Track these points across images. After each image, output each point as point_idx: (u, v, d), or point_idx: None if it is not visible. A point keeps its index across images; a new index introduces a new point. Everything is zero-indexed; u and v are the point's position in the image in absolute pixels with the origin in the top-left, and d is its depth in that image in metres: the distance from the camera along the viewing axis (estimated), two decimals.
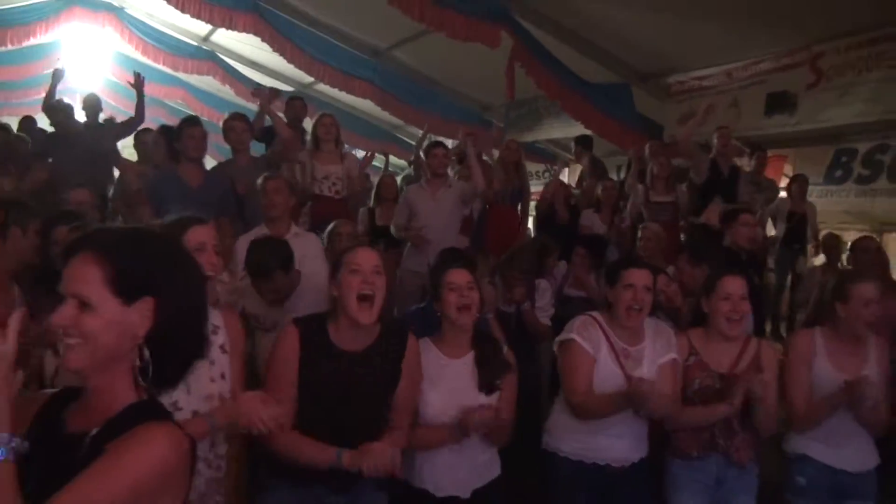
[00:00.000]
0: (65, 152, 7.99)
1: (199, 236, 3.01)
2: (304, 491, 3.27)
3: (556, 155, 13.10)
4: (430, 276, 3.96)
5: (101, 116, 8.94)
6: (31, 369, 3.04)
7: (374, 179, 9.22)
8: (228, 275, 4.55)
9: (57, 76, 8.83)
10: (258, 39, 11.34)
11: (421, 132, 10.65)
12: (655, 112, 10.11)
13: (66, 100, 8.77)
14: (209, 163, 6.89)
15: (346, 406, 3.21)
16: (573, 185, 10.08)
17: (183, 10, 10.54)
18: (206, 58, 13.85)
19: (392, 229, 7.27)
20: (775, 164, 10.16)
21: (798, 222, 8.94)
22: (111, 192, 7.99)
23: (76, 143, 8.11)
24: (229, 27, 10.97)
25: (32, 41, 12.99)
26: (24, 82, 14.86)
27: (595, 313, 4.01)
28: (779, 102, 9.03)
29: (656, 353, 3.89)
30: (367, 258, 3.25)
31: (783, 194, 9.47)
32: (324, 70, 11.77)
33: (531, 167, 10.11)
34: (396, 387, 3.36)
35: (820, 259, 8.82)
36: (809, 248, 9.16)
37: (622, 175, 9.98)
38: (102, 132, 8.56)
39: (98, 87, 12.90)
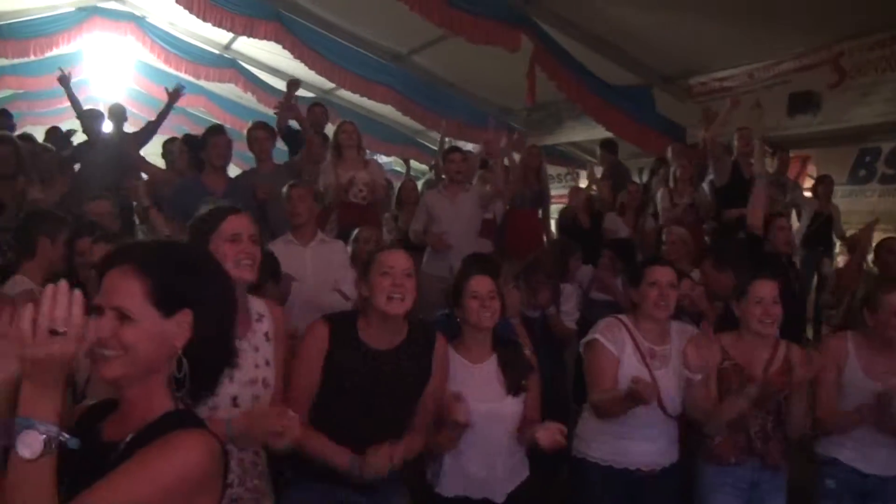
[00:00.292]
0: (92, 161, 8.07)
1: (235, 226, 2.98)
2: (328, 489, 3.29)
3: (576, 158, 13.09)
4: (454, 282, 3.97)
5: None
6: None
7: (396, 184, 9.24)
8: None
9: (64, 81, 8.92)
10: (279, 47, 11.41)
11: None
12: (677, 114, 10.05)
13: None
14: (232, 171, 6.92)
15: (370, 404, 3.24)
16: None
17: (204, 19, 10.63)
18: (227, 66, 13.95)
19: (410, 234, 7.28)
20: (798, 164, 10.11)
21: (823, 224, 8.87)
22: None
23: (103, 151, 8.19)
24: (250, 35, 11.05)
25: (55, 51, 13.08)
26: (46, 92, 14.95)
27: (621, 315, 4.02)
28: (801, 102, 8.98)
29: (682, 355, 3.88)
30: (399, 260, 3.28)
31: (807, 195, 9.40)
32: (344, 76, 11.82)
33: (552, 170, 10.10)
34: (425, 386, 3.38)
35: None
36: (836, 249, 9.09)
37: (645, 178, 9.97)
38: (127, 141, 8.64)
39: (121, 97, 13.03)
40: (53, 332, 1.52)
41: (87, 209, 5.32)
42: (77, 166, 8.28)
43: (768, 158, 8.89)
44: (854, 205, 9.72)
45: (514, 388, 3.63)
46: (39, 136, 10.09)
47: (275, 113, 8.33)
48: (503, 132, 9.59)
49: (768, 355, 3.97)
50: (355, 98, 13.05)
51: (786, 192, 8.93)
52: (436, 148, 13.50)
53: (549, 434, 3.46)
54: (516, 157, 8.37)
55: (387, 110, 13.44)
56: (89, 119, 8.67)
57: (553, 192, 8.83)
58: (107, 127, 8.82)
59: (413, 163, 14.11)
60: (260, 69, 14.11)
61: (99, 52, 14.48)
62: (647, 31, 9.08)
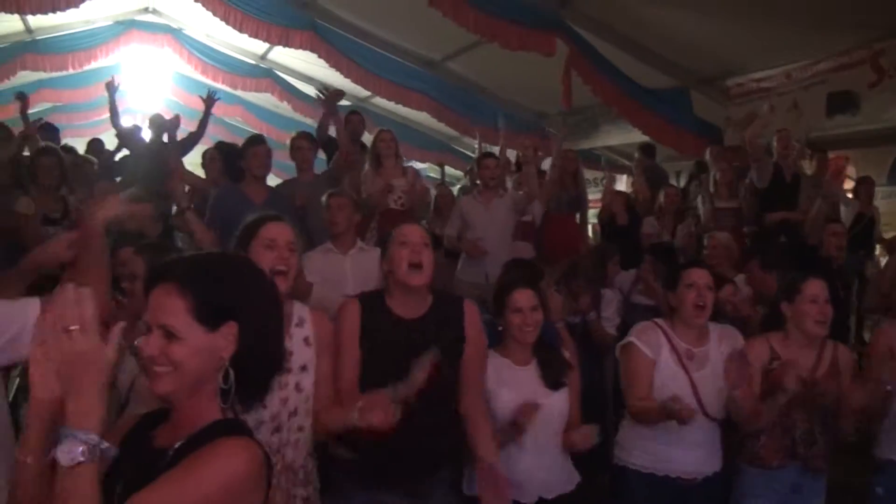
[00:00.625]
0: (132, 171, 8.17)
1: (270, 233, 3.04)
2: (374, 494, 3.31)
3: (613, 162, 13.03)
4: (494, 291, 4.00)
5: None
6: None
7: (431, 191, 9.24)
8: None
9: (111, 90, 9.05)
10: (314, 56, 11.49)
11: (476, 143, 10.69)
12: (715, 116, 9.98)
13: (130, 120, 9.00)
14: (269, 180, 6.97)
15: (406, 371, 3.21)
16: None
17: (241, 30, 10.77)
18: (263, 75, 14.07)
19: (444, 240, 7.29)
20: (837, 165, 9.99)
21: (865, 226, 8.75)
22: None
23: (143, 160, 8.29)
24: (286, 45, 11.17)
25: (93, 64, 13.32)
26: (85, 104, 15.22)
27: (658, 319, 4.01)
28: (840, 102, 8.85)
29: (722, 356, 3.85)
30: (414, 232, 3.36)
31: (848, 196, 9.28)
32: (379, 83, 11.87)
33: (588, 175, 10.06)
34: (461, 352, 3.40)
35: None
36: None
37: (682, 182, 9.91)
38: (167, 150, 8.73)
39: (159, 108, 13.15)
40: (67, 331, 1.56)
41: (131, 212, 5.36)
42: (118, 179, 8.40)
43: (806, 160, 8.81)
44: (893, 206, 9.59)
45: (552, 381, 3.69)
46: (78, 147, 10.23)
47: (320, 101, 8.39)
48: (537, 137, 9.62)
49: (816, 356, 3.93)
50: (390, 105, 13.13)
51: (824, 195, 8.82)
52: (470, 154, 13.55)
53: (583, 436, 3.51)
54: (547, 160, 8.35)
55: (421, 117, 13.49)
56: (126, 134, 8.80)
57: (590, 197, 8.78)
58: (146, 136, 8.95)
59: (447, 169, 14.15)
60: (295, 78, 14.22)
61: (137, 64, 14.69)
62: (682, 32, 9.03)
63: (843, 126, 8.88)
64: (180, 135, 9.62)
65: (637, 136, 10.06)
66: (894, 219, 9.41)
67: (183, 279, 1.81)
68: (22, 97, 8.79)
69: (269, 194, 6.33)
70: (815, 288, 3.87)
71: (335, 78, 11.86)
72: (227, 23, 10.70)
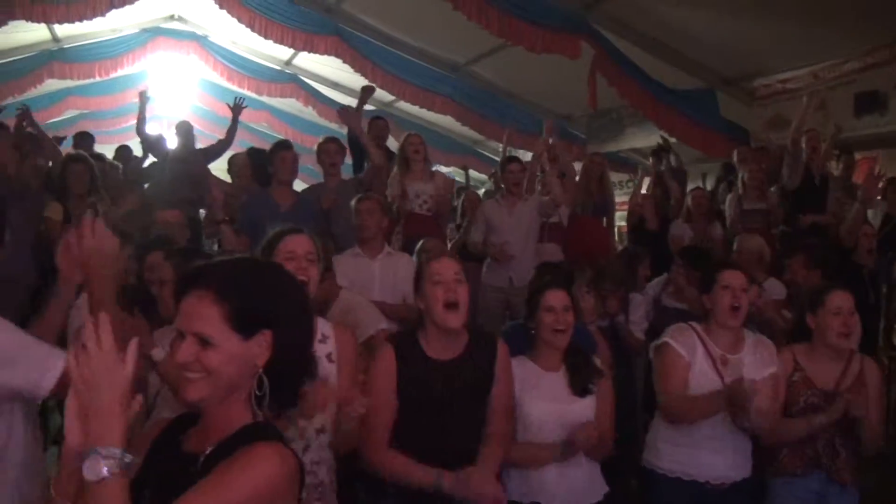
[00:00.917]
0: (160, 177, 8.23)
1: (289, 245, 3.09)
2: None
3: (638, 164, 12.97)
4: (528, 293, 3.99)
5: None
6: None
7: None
8: None
9: (143, 99, 9.17)
10: (339, 60, 11.54)
11: (501, 146, 10.67)
12: (741, 117, 9.91)
13: (156, 126, 9.07)
14: (296, 185, 7.00)
15: (444, 414, 3.27)
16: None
17: (266, 36, 10.84)
18: (288, 81, 14.12)
19: (468, 245, 7.28)
20: (864, 166, 9.87)
21: (894, 227, 8.63)
22: (204, 214, 8.24)
23: (170, 167, 8.36)
24: (311, 50, 11.25)
25: (120, 72, 13.45)
26: (112, 112, 15.37)
27: (692, 322, 3.99)
28: (868, 102, 8.73)
29: (756, 364, 3.82)
30: (447, 267, 3.33)
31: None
32: (404, 88, 11.89)
33: (614, 177, 10.02)
34: (490, 390, 3.40)
35: None
36: None
37: (709, 184, 9.83)
38: (194, 157, 8.79)
39: (186, 114, 13.24)
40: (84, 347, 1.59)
41: (159, 218, 5.41)
42: (146, 185, 8.46)
43: (833, 161, 8.72)
44: None
45: (579, 388, 3.65)
46: (106, 154, 10.31)
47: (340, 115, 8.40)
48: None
49: (842, 368, 3.90)
50: (414, 109, 13.11)
51: (855, 196, 8.71)
52: (495, 157, 13.52)
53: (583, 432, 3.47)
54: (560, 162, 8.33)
55: (445, 121, 13.48)
56: (152, 142, 8.88)
57: (616, 199, 8.75)
58: (172, 143, 9.01)
59: (472, 172, 14.14)
60: (320, 83, 14.28)
61: (163, 71, 14.79)
62: (708, 33, 8.97)
63: (870, 126, 8.78)
64: (207, 141, 9.71)
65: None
66: None
67: (218, 286, 1.82)
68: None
69: (296, 199, 6.36)
70: (839, 300, 3.85)
71: (360, 82, 11.88)
72: (253, 29, 10.77)
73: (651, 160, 9.97)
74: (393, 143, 9.02)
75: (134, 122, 9.33)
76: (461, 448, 3.20)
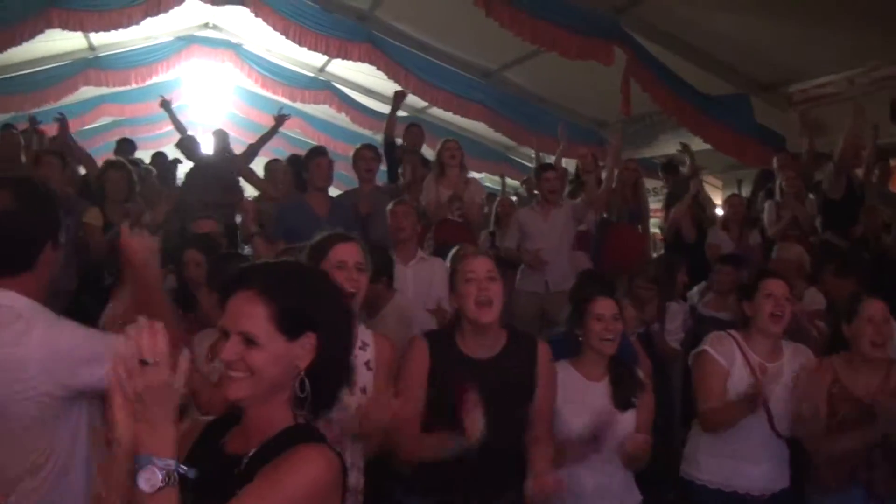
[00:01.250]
0: (195, 182, 8.29)
1: (341, 254, 3.08)
2: None
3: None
4: (574, 300, 3.97)
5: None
6: None
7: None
8: None
9: (165, 106, 9.31)
10: (372, 67, 11.58)
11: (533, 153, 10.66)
12: (777, 123, 9.82)
13: (192, 133, 9.17)
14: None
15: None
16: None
17: (300, 44, 10.94)
18: (322, 87, 14.22)
19: (502, 251, 7.28)
20: None
21: None
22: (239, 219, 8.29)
23: (205, 172, 8.42)
24: (344, 57, 11.29)
25: (155, 79, 13.59)
26: (147, 118, 15.47)
27: (731, 330, 3.96)
28: None
29: (795, 374, 3.79)
30: (480, 265, 3.31)
31: None
32: (437, 94, 11.89)
33: (648, 184, 9.96)
34: (531, 393, 3.37)
35: None
36: None
37: (744, 191, 9.75)
38: (229, 163, 8.85)
39: (221, 121, 13.39)
40: (143, 363, 1.59)
41: (194, 228, 5.44)
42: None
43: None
44: None
45: (622, 402, 3.63)
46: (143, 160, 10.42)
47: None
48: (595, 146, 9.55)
49: (880, 379, 3.83)
50: (447, 115, 13.16)
51: (892, 203, 8.59)
52: (527, 164, 13.51)
53: (635, 442, 3.45)
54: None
55: (478, 127, 13.48)
56: (187, 145, 8.94)
57: (651, 206, 8.70)
58: (208, 149, 9.08)
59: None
60: (353, 90, 14.35)
61: (198, 78, 14.96)
62: (743, 38, 8.90)
63: None
64: (239, 147, 9.78)
65: (698, 145, 9.90)
66: None
67: (265, 287, 1.84)
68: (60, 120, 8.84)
69: (331, 205, 6.39)
70: (873, 308, 3.80)
71: (392, 88, 11.92)
72: (287, 37, 10.89)
73: (662, 174, 9.93)
74: (426, 150, 9.07)
75: (168, 128, 9.41)
76: (496, 449, 3.17)
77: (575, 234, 7.29)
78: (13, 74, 12.42)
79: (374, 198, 6.56)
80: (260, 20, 10.76)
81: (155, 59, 13.33)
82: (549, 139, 10.97)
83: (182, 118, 9.62)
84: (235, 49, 13.83)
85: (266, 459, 1.78)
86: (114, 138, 11.49)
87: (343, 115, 14.59)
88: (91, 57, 12.97)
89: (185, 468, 1.65)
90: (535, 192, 7.64)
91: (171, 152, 10.27)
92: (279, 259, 2.04)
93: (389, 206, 5.67)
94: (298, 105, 14.41)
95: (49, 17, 9.76)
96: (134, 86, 13.57)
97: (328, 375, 1.91)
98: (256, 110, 15.01)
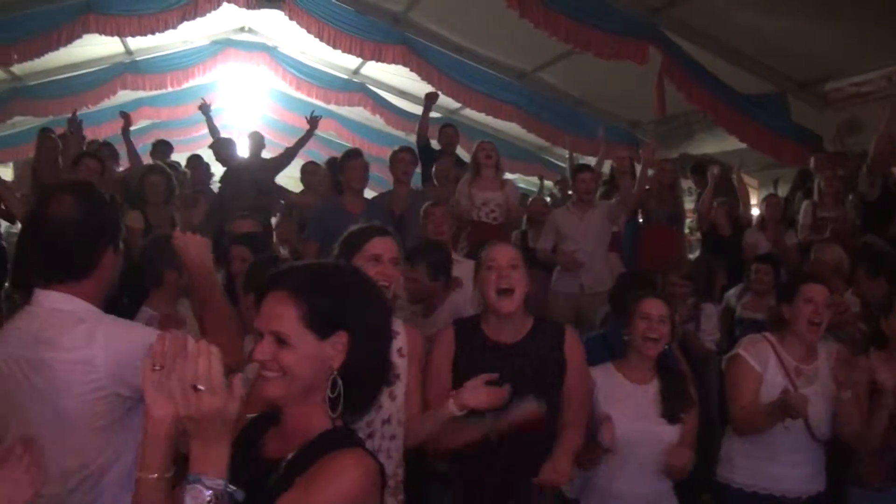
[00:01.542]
0: (230, 185, 8.37)
1: (377, 248, 3.07)
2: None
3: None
4: (616, 300, 3.96)
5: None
6: None
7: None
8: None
9: (204, 109, 9.41)
10: (405, 69, 11.63)
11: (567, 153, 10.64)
12: (813, 122, 9.72)
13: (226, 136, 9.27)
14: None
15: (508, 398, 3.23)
16: None
17: (334, 46, 11.02)
18: (356, 90, 14.25)
19: (538, 252, 7.27)
20: None
21: None
22: (275, 221, 8.36)
23: (240, 176, 8.49)
24: (378, 60, 11.35)
25: (191, 82, 13.73)
26: (183, 121, 15.62)
27: (766, 333, 3.93)
28: None
29: (830, 375, 3.76)
30: (502, 254, 3.31)
31: None
32: (470, 95, 11.90)
33: (684, 184, 9.91)
34: (560, 378, 3.36)
35: None
36: None
37: (781, 190, 9.66)
38: (264, 166, 8.92)
39: (256, 124, 13.47)
40: (195, 389, 1.59)
41: (233, 228, 5.49)
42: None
43: None
44: None
45: (670, 415, 3.59)
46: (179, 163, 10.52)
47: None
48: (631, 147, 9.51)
49: None
50: (480, 116, 13.16)
51: None
52: (561, 164, 13.47)
53: (678, 455, 3.43)
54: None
55: (512, 128, 13.45)
56: (221, 147, 9.02)
57: (687, 207, 8.66)
58: (244, 152, 9.15)
59: (535, 178, 14.12)
60: (387, 92, 14.38)
61: (233, 81, 15.06)
62: (778, 36, 8.82)
63: None
64: (275, 150, 9.85)
65: (733, 144, 9.84)
66: None
67: (295, 287, 1.86)
68: (125, 116, 9.07)
69: (366, 206, 6.43)
70: None
71: (426, 90, 11.94)
72: (321, 39, 10.95)
73: (690, 176, 9.86)
74: (460, 152, 9.09)
75: (204, 130, 9.50)
76: (520, 435, 3.18)
77: (611, 235, 7.27)
78: (51, 79, 12.65)
79: (410, 200, 6.59)
80: (294, 23, 10.83)
81: (191, 62, 13.48)
82: (583, 139, 10.96)
83: (217, 121, 9.70)
84: (270, 52, 13.92)
85: (303, 466, 1.79)
86: (151, 141, 11.58)
87: (377, 116, 14.63)
88: (128, 61, 13.15)
89: (234, 488, 1.66)
90: (569, 192, 7.62)
91: (207, 155, 10.36)
92: (312, 260, 2.05)
93: (424, 207, 5.69)
94: (333, 107, 14.47)
95: (87, 22, 9.93)
96: (170, 89, 13.73)
97: (363, 374, 1.91)
98: (291, 113, 15.07)
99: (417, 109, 12.65)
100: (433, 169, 8.01)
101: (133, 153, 9.12)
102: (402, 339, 3.18)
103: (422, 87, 11.99)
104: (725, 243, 7.73)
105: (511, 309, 3.25)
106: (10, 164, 12.84)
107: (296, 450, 1.85)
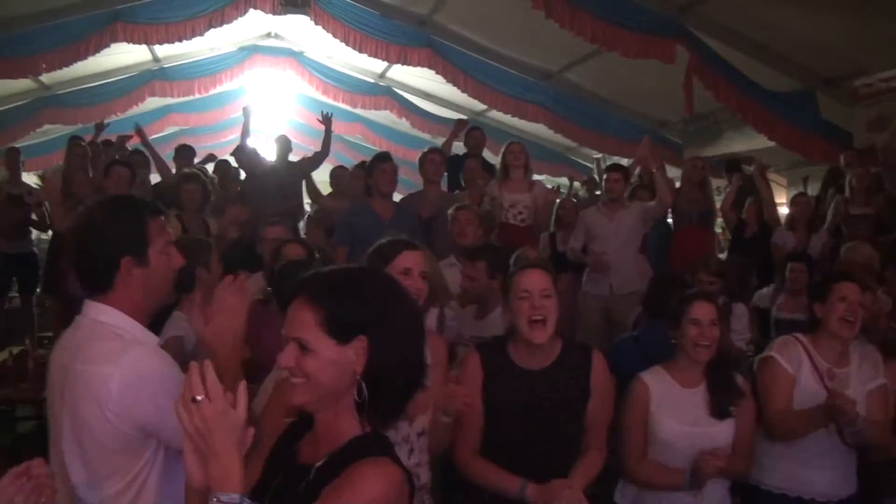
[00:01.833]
0: (257, 190, 8.43)
1: (406, 261, 3.09)
2: None
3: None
4: (651, 302, 3.94)
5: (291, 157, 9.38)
6: None
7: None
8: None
9: (247, 113, 9.46)
10: (431, 72, 11.66)
11: (595, 154, 10.61)
12: (843, 118, 9.63)
13: (252, 141, 9.32)
14: None
15: (532, 424, 3.24)
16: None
17: (360, 50, 11.09)
18: (382, 93, 14.30)
19: (568, 253, 7.25)
20: None
21: None
22: (301, 224, 8.40)
23: (265, 182, 8.55)
24: (404, 63, 11.40)
25: (219, 89, 13.86)
26: (211, 127, 15.76)
27: (798, 334, 3.89)
28: None
29: (863, 377, 3.72)
30: (535, 282, 3.28)
31: None
32: (496, 97, 11.90)
33: (715, 183, 9.85)
34: (586, 404, 3.34)
35: None
36: None
37: (810, 189, 9.59)
38: (291, 169, 8.97)
39: (284, 128, 13.52)
40: (194, 401, 1.63)
41: (265, 234, 5.53)
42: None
43: None
44: None
45: (719, 411, 3.54)
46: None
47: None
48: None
49: None
50: (506, 118, 13.16)
51: None
52: (588, 164, 13.44)
53: (711, 460, 3.39)
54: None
55: (537, 129, 13.44)
56: (240, 156, 9.10)
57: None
58: (270, 156, 9.22)
59: (563, 179, 14.10)
60: (413, 94, 14.42)
61: (260, 87, 15.16)
62: (806, 32, 8.74)
63: None
64: (302, 153, 9.90)
65: (762, 142, 9.77)
66: None
67: (313, 293, 1.87)
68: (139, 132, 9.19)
69: (395, 210, 6.46)
70: None
71: (451, 92, 11.97)
72: (347, 44, 11.01)
73: (725, 175, 9.79)
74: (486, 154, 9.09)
75: (232, 136, 9.57)
76: (549, 460, 3.18)
77: (642, 236, 7.23)
78: (80, 87, 12.81)
79: (439, 203, 6.59)
80: (320, 28, 10.90)
81: (218, 69, 13.60)
82: (611, 139, 10.92)
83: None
84: (297, 57, 14.01)
85: (332, 473, 1.80)
86: None
87: (403, 119, 14.67)
88: (156, 68, 13.30)
89: (249, 501, 1.68)
90: (596, 192, 7.60)
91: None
92: (334, 266, 2.05)
93: (450, 210, 5.70)
94: (359, 111, 14.55)
95: (115, 31, 10.07)
96: (198, 96, 13.87)
97: (389, 378, 1.89)
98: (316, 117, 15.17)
99: (443, 112, 12.71)
100: (460, 173, 8.02)
101: (159, 161, 9.23)
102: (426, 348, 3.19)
103: (447, 90, 12.04)
104: (752, 243, 7.67)
105: (543, 339, 3.23)
106: (41, 173, 12.99)
107: (326, 457, 1.86)
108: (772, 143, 9.55)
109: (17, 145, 11.18)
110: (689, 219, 7.75)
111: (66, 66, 10.26)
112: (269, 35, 13.81)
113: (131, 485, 2.36)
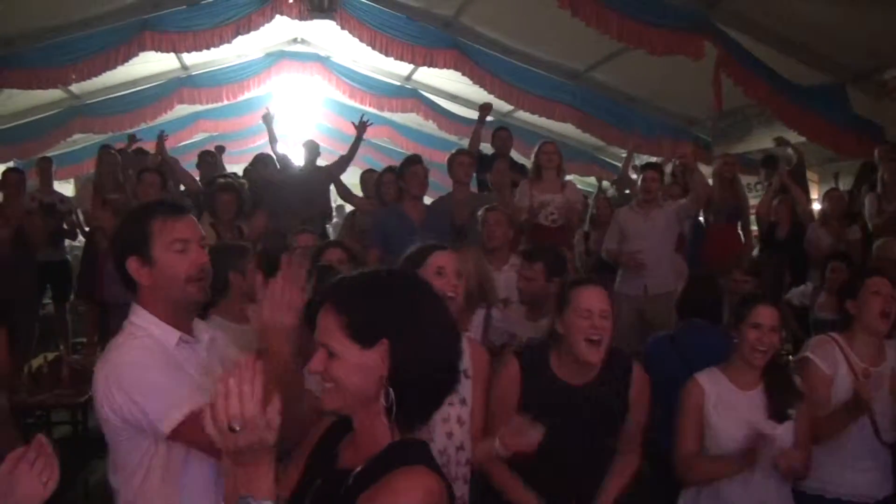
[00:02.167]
0: (283, 195, 8.46)
1: (438, 261, 3.13)
2: None
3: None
4: (684, 306, 3.91)
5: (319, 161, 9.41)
6: None
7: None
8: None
9: (267, 120, 9.53)
10: (458, 74, 11.65)
11: (625, 152, 10.53)
12: (873, 112, 9.53)
13: (281, 146, 9.39)
14: None
15: (568, 438, 3.21)
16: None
17: (387, 54, 11.11)
18: (409, 96, 14.31)
19: (603, 253, 7.23)
20: None
21: None
22: (329, 229, 8.43)
23: (292, 186, 8.60)
24: (430, 65, 11.39)
25: (246, 95, 13.94)
26: (240, 133, 15.85)
27: (833, 333, 3.86)
28: None
29: None
30: (596, 301, 3.25)
31: None
32: (523, 97, 11.87)
33: (745, 180, 9.78)
34: (624, 417, 3.35)
35: None
36: None
37: (842, 184, 9.50)
38: (317, 174, 9.00)
39: (311, 133, 13.62)
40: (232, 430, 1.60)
41: (294, 242, 5.56)
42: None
43: None
44: None
45: (777, 413, 3.49)
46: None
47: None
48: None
49: None
50: (533, 118, 13.12)
51: None
52: (617, 163, 13.37)
53: (788, 457, 3.35)
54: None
55: (565, 128, 13.39)
56: (259, 166, 9.15)
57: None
58: (299, 160, 9.27)
59: (592, 179, 14.03)
60: (440, 96, 14.41)
61: (288, 92, 15.21)
62: (835, 26, 8.64)
63: None
64: (331, 157, 9.94)
65: (793, 138, 9.69)
66: None
67: (337, 299, 1.89)
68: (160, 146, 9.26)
69: (426, 213, 6.47)
70: None
71: (478, 94, 11.96)
72: (374, 48, 11.04)
73: (761, 170, 9.71)
74: (515, 155, 9.06)
75: (260, 141, 9.61)
76: (583, 470, 3.19)
77: (677, 235, 7.18)
78: (110, 97, 12.93)
79: (470, 204, 6.58)
80: (346, 32, 10.95)
81: (246, 75, 13.68)
82: (640, 137, 10.86)
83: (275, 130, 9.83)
84: (324, 62, 14.06)
85: (369, 480, 1.80)
86: None
87: (430, 122, 14.68)
88: (184, 76, 13.42)
89: None
90: (626, 192, 7.56)
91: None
92: (359, 271, 2.05)
93: (480, 212, 5.69)
94: (387, 114, 14.56)
95: (143, 40, 10.17)
96: (226, 102, 13.95)
97: (415, 382, 1.87)
98: (346, 121, 15.11)
99: (470, 113, 12.68)
100: (488, 174, 8.00)
101: (183, 172, 9.33)
102: (466, 360, 3.17)
103: (474, 91, 12.02)
104: (785, 241, 7.60)
105: (598, 360, 3.23)
106: (72, 181, 13.14)
107: (364, 463, 1.86)
108: (802, 139, 9.47)
109: (48, 154, 11.33)
110: (720, 216, 7.69)
111: (96, 75, 10.36)
112: (295, 40, 13.86)
113: (134, 475, 2.47)
